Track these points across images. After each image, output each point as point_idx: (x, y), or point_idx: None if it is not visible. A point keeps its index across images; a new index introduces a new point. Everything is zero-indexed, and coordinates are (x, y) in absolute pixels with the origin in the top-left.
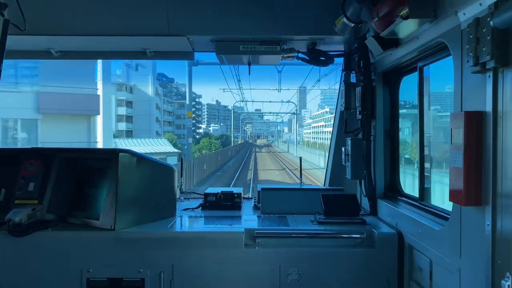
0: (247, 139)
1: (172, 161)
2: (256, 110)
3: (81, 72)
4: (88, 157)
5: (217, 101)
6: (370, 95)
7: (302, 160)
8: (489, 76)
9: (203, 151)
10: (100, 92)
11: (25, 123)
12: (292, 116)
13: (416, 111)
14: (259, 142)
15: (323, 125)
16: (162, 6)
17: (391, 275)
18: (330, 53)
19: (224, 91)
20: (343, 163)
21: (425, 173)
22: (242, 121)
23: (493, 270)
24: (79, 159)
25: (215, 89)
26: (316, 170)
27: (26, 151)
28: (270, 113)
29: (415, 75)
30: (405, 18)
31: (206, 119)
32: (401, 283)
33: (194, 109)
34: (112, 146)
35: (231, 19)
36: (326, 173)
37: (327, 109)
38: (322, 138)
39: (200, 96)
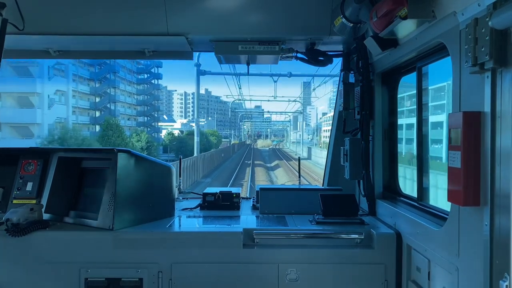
0: (244, 140)
1: None
2: (256, 107)
3: None
4: (86, 157)
5: (206, 90)
6: (368, 95)
7: None
8: (488, 76)
9: None
10: None
11: None
12: (297, 113)
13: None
14: (260, 144)
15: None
16: (161, 5)
17: (389, 275)
18: (329, 53)
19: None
20: (342, 163)
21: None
22: (241, 120)
23: (491, 270)
24: (77, 159)
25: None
26: None
27: (24, 151)
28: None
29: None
30: (404, 18)
31: (191, 113)
32: (399, 283)
33: (145, 86)
34: None
35: (230, 19)
36: (324, 173)
37: None
38: None
39: (159, 66)
